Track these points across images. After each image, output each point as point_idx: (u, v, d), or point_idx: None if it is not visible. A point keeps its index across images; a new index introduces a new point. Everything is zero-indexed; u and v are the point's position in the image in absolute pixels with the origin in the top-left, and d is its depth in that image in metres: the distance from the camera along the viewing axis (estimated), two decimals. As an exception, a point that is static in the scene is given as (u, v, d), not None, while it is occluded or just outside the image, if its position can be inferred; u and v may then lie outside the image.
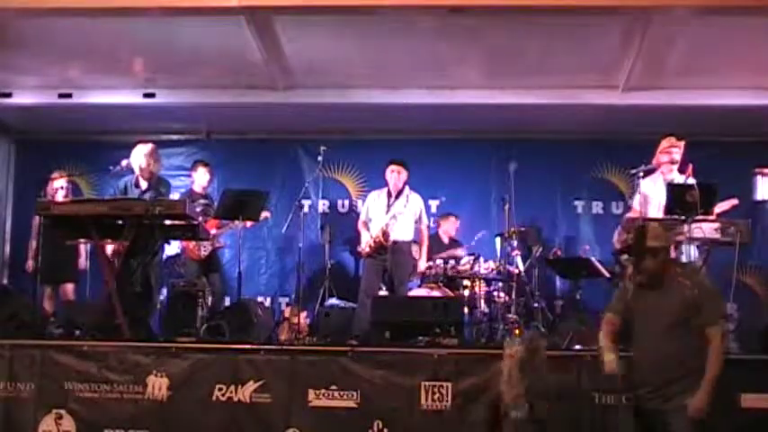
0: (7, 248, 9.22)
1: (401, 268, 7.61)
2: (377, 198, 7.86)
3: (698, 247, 6.32)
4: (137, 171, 7.14)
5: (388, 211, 7.68)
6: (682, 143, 6.74)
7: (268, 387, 5.63)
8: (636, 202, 6.66)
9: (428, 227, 8.01)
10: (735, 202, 6.56)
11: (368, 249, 7.65)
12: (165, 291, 7.61)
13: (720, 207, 6.44)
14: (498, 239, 7.96)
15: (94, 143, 9.19)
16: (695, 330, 4.20)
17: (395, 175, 7.76)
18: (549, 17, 6.51)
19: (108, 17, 6.51)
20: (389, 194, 7.79)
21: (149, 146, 7.26)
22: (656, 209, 6.51)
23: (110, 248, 6.68)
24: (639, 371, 4.32)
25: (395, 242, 7.58)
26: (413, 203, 7.75)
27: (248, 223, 7.39)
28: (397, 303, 6.87)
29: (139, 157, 7.13)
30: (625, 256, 6.40)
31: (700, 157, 6.95)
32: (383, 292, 7.48)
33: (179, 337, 6.14)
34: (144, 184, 7.13)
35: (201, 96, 8.18)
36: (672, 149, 6.69)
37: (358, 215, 8.34)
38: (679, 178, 6.62)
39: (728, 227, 6.08)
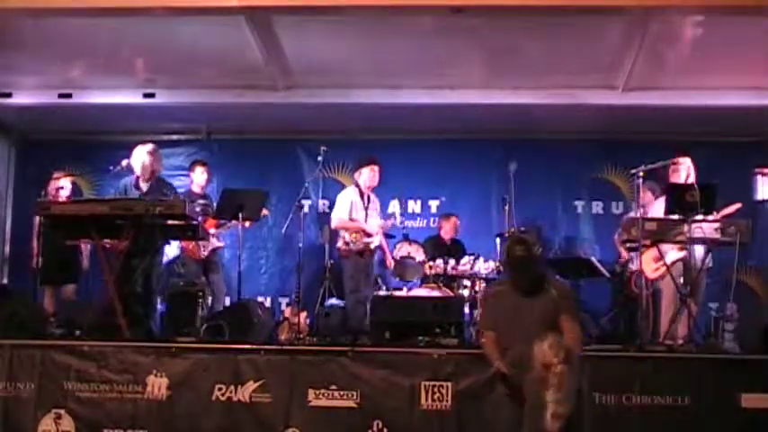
0: (7, 248, 9.21)
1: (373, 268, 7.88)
2: (354, 196, 7.81)
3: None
4: (138, 170, 7.15)
5: (367, 212, 7.76)
6: (687, 159, 6.77)
7: (268, 387, 5.64)
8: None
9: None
10: (738, 205, 6.57)
11: (352, 249, 7.65)
12: (164, 291, 7.61)
13: (725, 211, 6.45)
14: (498, 239, 7.96)
15: (94, 143, 9.19)
16: (559, 327, 4.65)
17: (372, 174, 7.78)
18: (548, 17, 6.50)
19: (108, 17, 6.49)
20: (362, 194, 7.80)
21: (150, 145, 7.30)
22: None
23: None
24: (520, 365, 4.55)
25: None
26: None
27: (247, 223, 7.38)
28: (397, 303, 6.87)
29: (141, 155, 7.15)
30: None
31: (700, 157, 6.95)
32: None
33: (179, 337, 6.14)
34: (145, 186, 7.14)
35: (201, 96, 8.18)
36: (678, 166, 6.72)
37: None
38: None
39: (728, 227, 6.10)
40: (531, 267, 4.88)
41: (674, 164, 6.71)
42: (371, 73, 7.71)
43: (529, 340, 4.48)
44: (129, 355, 5.76)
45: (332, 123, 8.72)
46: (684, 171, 6.73)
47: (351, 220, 7.75)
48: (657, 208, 6.74)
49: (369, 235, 7.70)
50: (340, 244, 7.68)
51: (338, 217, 7.80)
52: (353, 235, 7.62)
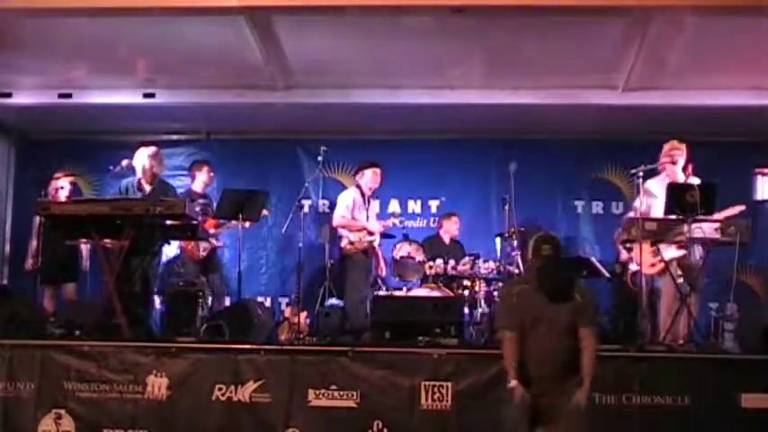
0: (7, 248, 9.21)
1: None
2: (356, 196, 7.89)
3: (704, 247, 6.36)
4: (139, 173, 7.18)
5: (368, 213, 7.87)
6: (683, 146, 6.76)
7: (268, 387, 5.65)
8: (640, 201, 6.64)
9: None
10: (741, 207, 6.56)
11: (358, 248, 7.69)
12: (163, 291, 7.61)
13: (727, 213, 6.44)
14: (498, 239, 7.96)
15: (94, 143, 9.19)
16: (578, 334, 4.58)
17: (375, 176, 7.91)
18: (549, 17, 6.51)
19: (108, 17, 6.50)
20: (362, 195, 7.88)
21: (152, 148, 7.32)
22: (660, 210, 6.52)
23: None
24: (538, 369, 4.50)
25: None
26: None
27: (246, 223, 7.38)
28: (397, 303, 6.87)
29: (142, 158, 7.18)
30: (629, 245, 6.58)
31: (700, 157, 6.95)
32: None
33: (179, 337, 6.14)
34: (147, 188, 7.16)
35: (201, 96, 8.17)
36: (673, 152, 6.73)
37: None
38: (682, 177, 6.64)
39: (728, 227, 6.11)
40: (558, 269, 4.70)
41: (672, 149, 6.70)
42: (371, 73, 7.71)
43: (552, 344, 4.47)
44: (129, 355, 5.77)
45: (332, 123, 8.72)
46: (683, 159, 6.73)
47: (352, 218, 7.78)
48: (652, 186, 6.73)
49: (371, 233, 7.75)
50: (344, 243, 7.72)
51: (340, 215, 7.86)
52: (357, 234, 7.66)
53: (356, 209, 7.83)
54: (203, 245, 7.55)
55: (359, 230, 7.74)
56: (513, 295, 4.73)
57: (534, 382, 4.50)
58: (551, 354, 4.50)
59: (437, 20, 6.60)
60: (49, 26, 6.82)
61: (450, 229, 8.50)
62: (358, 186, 7.98)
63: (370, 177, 7.91)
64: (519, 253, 7.73)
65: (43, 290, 7.52)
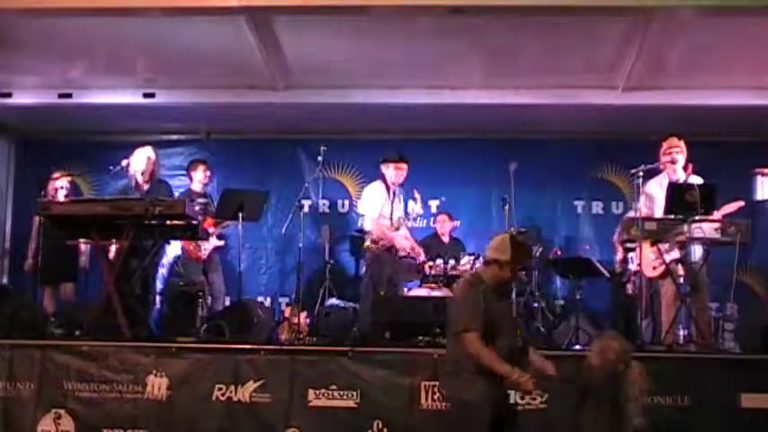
0: (7, 248, 9.21)
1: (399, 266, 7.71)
2: (383, 192, 7.68)
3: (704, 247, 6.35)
4: (138, 174, 7.16)
5: (392, 207, 7.66)
6: (681, 142, 6.75)
7: (268, 387, 5.65)
8: (642, 204, 6.64)
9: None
10: (741, 203, 6.55)
11: (380, 246, 7.51)
12: (164, 291, 7.62)
13: (727, 209, 6.43)
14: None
15: (94, 143, 9.19)
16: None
17: (399, 173, 7.63)
18: (548, 17, 6.51)
19: (108, 17, 6.51)
20: (387, 188, 7.72)
21: (148, 147, 7.29)
22: (661, 210, 6.51)
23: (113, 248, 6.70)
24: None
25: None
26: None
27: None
28: (397, 303, 6.87)
29: (141, 158, 7.16)
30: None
31: (700, 157, 6.95)
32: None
33: (179, 337, 6.14)
34: (145, 187, 7.15)
35: (201, 96, 8.17)
36: (672, 149, 6.71)
37: (358, 215, 8.36)
38: (683, 175, 6.63)
39: (728, 227, 6.10)
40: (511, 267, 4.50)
41: (671, 147, 6.69)
42: (371, 73, 7.71)
43: (508, 342, 4.38)
44: (129, 355, 5.77)
45: (332, 123, 8.72)
46: (683, 156, 6.72)
47: (381, 216, 7.59)
48: (653, 189, 6.72)
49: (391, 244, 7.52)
50: (367, 242, 7.48)
51: (372, 217, 7.56)
52: (376, 242, 7.46)
53: (386, 208, 7.61)
54: (205, 244, 7.54)
55: (385, 241, 7.47)
56: (477, 292, 4.43)
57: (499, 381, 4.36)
58: (508, 353, 4.36)
59: (437, 20, 6.60)
60: (49, 26, 6.82)
61: (441, 228, 8.50)
62: (383, 177, 7.68)
63: (392, 172, 7.61)
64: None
65: (43, 290, 7.52)
